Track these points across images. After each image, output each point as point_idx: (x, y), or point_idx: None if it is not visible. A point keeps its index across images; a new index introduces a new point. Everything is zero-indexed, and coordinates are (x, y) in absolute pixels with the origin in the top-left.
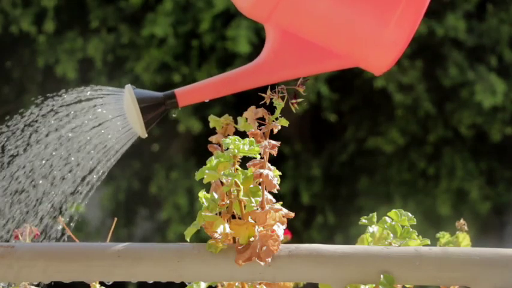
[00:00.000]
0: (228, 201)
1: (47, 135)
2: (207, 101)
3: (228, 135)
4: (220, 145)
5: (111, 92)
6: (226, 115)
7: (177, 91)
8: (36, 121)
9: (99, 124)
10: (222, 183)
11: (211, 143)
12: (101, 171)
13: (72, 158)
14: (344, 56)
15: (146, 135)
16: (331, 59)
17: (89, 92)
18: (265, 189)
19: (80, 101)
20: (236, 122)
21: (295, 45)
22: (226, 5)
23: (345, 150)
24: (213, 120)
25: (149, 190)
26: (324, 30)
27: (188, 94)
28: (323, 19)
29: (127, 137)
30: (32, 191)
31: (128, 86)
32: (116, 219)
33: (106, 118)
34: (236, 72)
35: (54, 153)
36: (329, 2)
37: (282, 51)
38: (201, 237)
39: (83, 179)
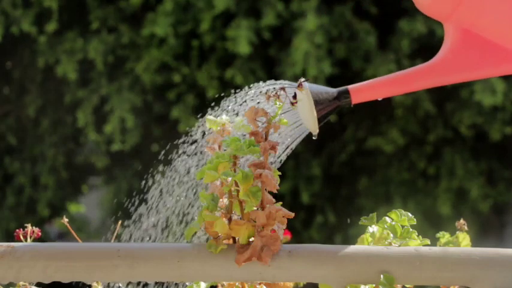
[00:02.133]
0: (228, 201)
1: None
2: (379, 99)
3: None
4: (218, 146)
5: (287, 85)
6: (224, 115)
7: (351, 88)
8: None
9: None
10: (221, 183)
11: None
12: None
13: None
14: None
15: (317, 131)
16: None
17: (265, 87)
18: (265, 189)
19: (260, 94)
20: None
21: (476, 46)
22: (226, 6)
23: (344, 150)
24: (210, 121)
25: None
26: (510, 31)
27: (362, 91)
28: (510, 17)
29: (297, 132)
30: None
31: (303, 81)
32: (120, 221)
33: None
34: (412, 71)
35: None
36: None
37: (462, 52)
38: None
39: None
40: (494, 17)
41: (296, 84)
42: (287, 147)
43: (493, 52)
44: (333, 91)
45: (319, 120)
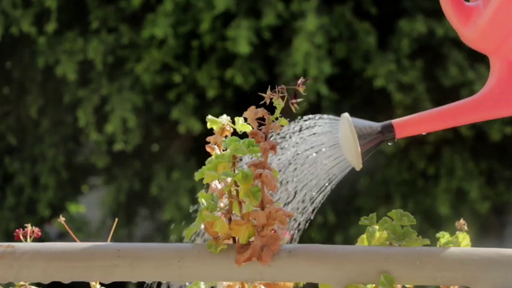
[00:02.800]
0: (228, 201)
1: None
2: (424, 133)
3: (226, 136)
4: (218, 145)
5: (329, 120)
6: (224, 115)
7: (395, 123)
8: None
9: (316, 153)
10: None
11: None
12: (312, 202)
13: (289, 186)
14: None
15: (361, 167)
16: None
17: (309, 121)
18: (265, 189)
19: (301, 130)
20: (235, 123)
21: None
22: (227, 6)
23: None
24: (210, 121)
25: (150, 190)
26: None
27: (407, 126)
28: None
29: (340, 167)
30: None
31: (346, 115)
32: (116, 219)
33: (322, 147)
34: (458, 105)
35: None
36: None
37: (508, 86)
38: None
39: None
40: None
41: (338, 118)
42: (330, 182)
43: None
44: (376, 125)
45: (363, 155)
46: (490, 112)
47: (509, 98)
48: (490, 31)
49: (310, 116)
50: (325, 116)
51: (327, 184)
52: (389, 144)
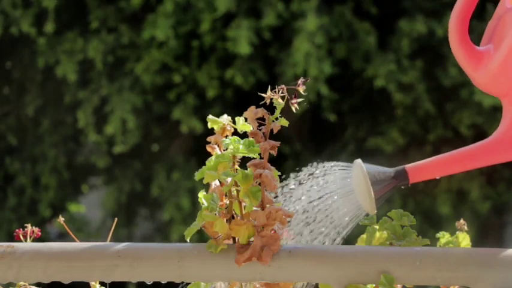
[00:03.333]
0: (227, 201)
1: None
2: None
3: (227, 135)
4: (218, 145)
5: (342, 167)
6: (225, 115)
7: (409, 168)
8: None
9: (331, 201)
10: (220, 183)
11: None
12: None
13: (303, 233)
14: None
15: (375, 212)
16: None
17: (323, 168)
18: (265, 189)
19: (315, 177)
20: (235, 122)
21: None
22: (228, 7)
23: (345, 150)
24: (211, 121)
25: (150, 191)
26: None
27: (420, 171)
28: None
29: (354, 213)
30: None
31: (359, 161)
32: (116, 219)
33: (336, 194)
34: (471, 149)
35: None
36: None
37: None
38: (202, 237)
39: None
40: None
41: (351, 164)
42: (344, 229)
43: None
44: (389, 171)
45: (377, 201)
46: (504, 155)
47: None
48: (501, 75)
49: (325, 163)
50: (340, 163)
51: (341, 230)
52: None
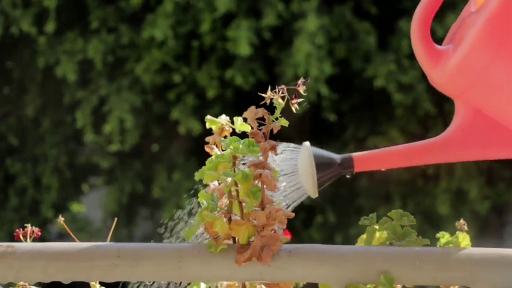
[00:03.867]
0: (228, 201)
1: None
2: (383, 169)
3: (225, 136)
4: (217, 146)
5: (289, 148)
6: (223, 115)
7: (355, 156)
8: None
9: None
10: (219, 184)
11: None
12: None
13: None
14: None
15: (317, 195)
16: None
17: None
18: (265, 189)
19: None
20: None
21: (485, 126)
22: (228, 7)
23: (345, 150)
24: (209, 121)
25: (151, 191)
26: None
27: (366, 160)
28: None
29: (296, 194)
30: None
31: (307, 144)
32: (116, 219)
33: (282, 174)
34: (419, 145)
35: None
36: None
37: (471, 130)
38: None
39: None
40: (504, 104)
41: (297, 147)
42: (286, 208)
43: (500, 133)
44: (336, 157)
45: (319, 184)
46: (452, 155)
47: (470, 142)
48: (458, 75)
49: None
50: (291, 144)
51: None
52: (347, 176)
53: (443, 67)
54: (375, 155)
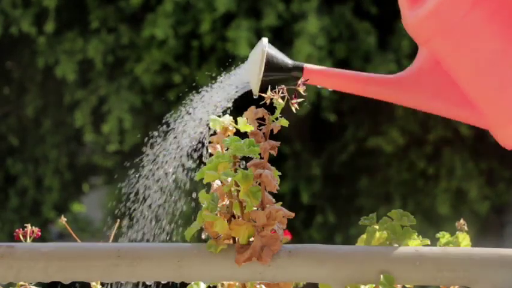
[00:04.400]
0: (228, 201)
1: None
2: (329, 88)
3: (229, 135)
4: (220, 145)
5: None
6: (227, 115)
7: (307, 67)
8: None
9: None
10: (221, 183)
11: (211, 143)
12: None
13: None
14: (480, 114)
15: (257, 94)
16: (466, 110)
17: None
18: (265, 189)
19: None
20: (236, 123)
21: (440, 79)
22: (228, 7)
23: (345, 150)
24: (213, 121)
25: None
26: (474, 82)
27: (316, 73)
28: (479, 69)
29: (238, 86)
30: None
31: (264, 40)
32: (118, 220)
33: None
34: (371, 76)
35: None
36: (492, 58)
37: (424, 78)
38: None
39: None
40: (464, 61)
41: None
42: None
43: (452, 91)
44: (289, 62)
45: (263, 83)
46: (400, 96)
47: (421, 90)
48: (430, 20)
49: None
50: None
51: (224, 103)
52: (292, 86)
53: (419, 9)
54: (327, 71)
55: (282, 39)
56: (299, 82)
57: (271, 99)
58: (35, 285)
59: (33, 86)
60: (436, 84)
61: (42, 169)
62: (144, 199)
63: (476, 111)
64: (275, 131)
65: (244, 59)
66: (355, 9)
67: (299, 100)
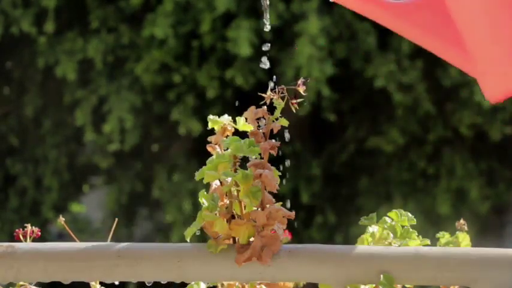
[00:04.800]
0: (228, 201)
1: None
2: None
3: (227, 135)
4: (219, 145)
5: None
6: (226, 115)
7: None
8: None
9: None
10: (221, 183)
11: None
12: None
13: None
14: (470, 59)
15: None
16: (457, 51)
17: None
18: (265, 189)
19: None
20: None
21: (437, 11)
22: (227, 7)
23: (345, 150)
24: (211, 121)
25: (151, 191)
26: (469, 24)
27: None
28: (474, 12)
29: None
30: None
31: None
32: (116, 219)
33: None
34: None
35: None
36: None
37: (423, 7)
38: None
39: None
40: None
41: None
42: None
43: (448, 26)
44: None
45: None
46: (393, 18)
47: (416, 18)
48: None
49: None
50: None
51: None
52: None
53: None
54: None
55: (282, 39)
56: (299, 82)
57: (271, 99)
58: (35, 285)
59: (33, 86)
60: (434, 16)
61: (42, 169)
62: None
63: (467, 55)
64: (275, 131)
65: (244, 59)
66: None
67: (299, 100)
